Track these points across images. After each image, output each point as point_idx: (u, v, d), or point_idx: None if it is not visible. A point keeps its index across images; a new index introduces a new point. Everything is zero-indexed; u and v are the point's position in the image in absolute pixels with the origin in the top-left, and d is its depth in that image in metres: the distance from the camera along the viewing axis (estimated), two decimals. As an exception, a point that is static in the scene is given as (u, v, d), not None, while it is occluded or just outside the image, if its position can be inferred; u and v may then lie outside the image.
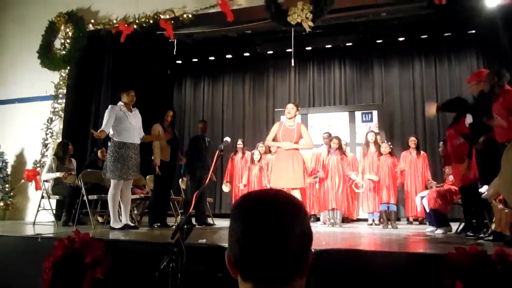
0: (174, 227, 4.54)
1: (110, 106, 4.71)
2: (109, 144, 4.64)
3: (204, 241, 3.16)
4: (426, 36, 7.93)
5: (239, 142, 7.37)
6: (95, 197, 5.12)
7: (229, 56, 8.95)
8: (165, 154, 5.22)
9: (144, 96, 7.85)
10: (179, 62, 9.19)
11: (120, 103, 4.70)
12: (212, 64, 9.26)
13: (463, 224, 4.67)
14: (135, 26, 6.44)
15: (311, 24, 5.55)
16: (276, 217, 0.77)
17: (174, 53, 6.97)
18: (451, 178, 5.09)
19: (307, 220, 0.83)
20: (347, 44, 8.40)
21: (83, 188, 4.98)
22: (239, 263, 0.78)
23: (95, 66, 6.89)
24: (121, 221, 4.61)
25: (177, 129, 9.25)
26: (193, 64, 9.36)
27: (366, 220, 6.70)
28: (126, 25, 6.43)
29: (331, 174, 6.12)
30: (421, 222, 6.59)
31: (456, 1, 5.39)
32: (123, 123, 4.59)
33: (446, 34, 7.78)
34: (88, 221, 5.15)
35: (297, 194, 4.68)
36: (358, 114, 8.17)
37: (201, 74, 9.69)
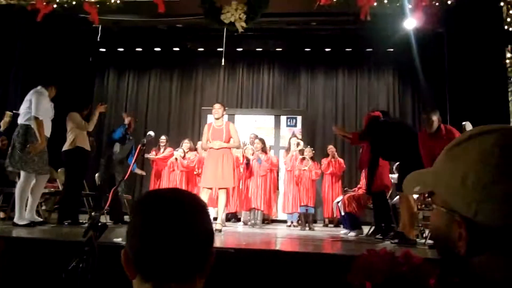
0: (86, 224, 4.24)
1: (39, 88, 4.28)
2: (20, 132, 4.18)
3: (120, 240, 2.98)
4: (351, 49, 8.41)
5: (162, 138, 7.13)
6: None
7: (157, 49, 8.67)
8: (86, 142, 4.87)
9: (63, 83, 7.30)
10: (103, 50, 8.66)
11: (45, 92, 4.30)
12: (139, 55, 8.88)
13: (373, 227, 5.00)
14: (55, 6, 5.93)
15: (244, 25, 5.58)
16: (180, 213, 0.75)
17: (98, 40, 6.55)
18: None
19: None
20: (277, 49, 8.61)
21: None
22: (137, 260, 0.74)
23: (6, 44, 6.23)
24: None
25: (98, 120, 8.76)
26: (118, 54, 8.88)
27: (285, 221, 6.89)
28: (44, 3, 5.89)
29: (254, 175, 6.20)
30: (336, 225, 6.95)
31: (378, 20, 5.77)
32: (47, 114, 4.20)
33: (368, 50, 8.31)
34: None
35: (223, 194, 4.68)
36: (283, 118, 8.39)
37: (126, 66, 9.24)
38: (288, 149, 6.80)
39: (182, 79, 9.16)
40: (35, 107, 4.16)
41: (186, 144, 6.90)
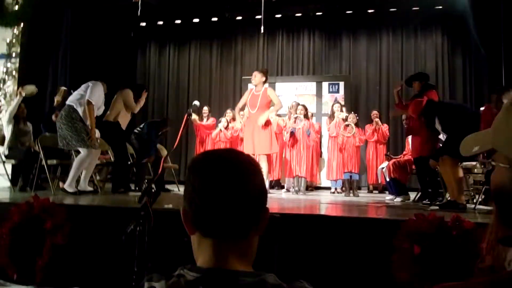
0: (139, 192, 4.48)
1: (98, 82, 4.53)
2: (63, 114, 4.42)
3: (170, 206, 3.13)
4: (395, 9, 7.99)
5: (205, 108, 7.25)
6: (54, 161, 4.91)
7: (196, 20, 8.66)
8: (125, 121, 5.07)
9: (106, 59, 7.55)
10: (143, 24, 8.79)
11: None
12: (179, 28, 8.93)
13: (420, 193, 4.89)
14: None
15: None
16: (235, 172, 0.78)
17: (139, 14, 6.65)
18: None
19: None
20: (317, 13, 8.34)
21: (41, 152, 4.77)
22: (197, 218, 0.78)
23: (52, 24, 6.47)
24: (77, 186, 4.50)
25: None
26: (158, 28, 8.99)
27: (329, 188, 6.89)
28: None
29: (297, 142, 6.19)
30: (381, 191, 6.86)
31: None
32: (97, 104, 4.47)
33: (414, 9, 7.86)
34: (47, 186, 4.96)
35: (263, 160, 4.75)
36: (325, 84, 8.22)
37: (166, 39, 9.34)
38: (331, 116, 6.71)
39: (221, 50, 9.16)
40: (91, 92, 4.36)
41: (228, 114, 6.97)
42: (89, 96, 4.36)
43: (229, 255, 0.77)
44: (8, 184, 5.28)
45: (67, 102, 4.49)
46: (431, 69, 7.95)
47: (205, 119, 7.14)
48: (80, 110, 4.39)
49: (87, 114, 4.38)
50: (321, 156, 7.05)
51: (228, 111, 7.08)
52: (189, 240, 0.85)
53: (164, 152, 6.15)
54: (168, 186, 5.91)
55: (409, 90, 5.63)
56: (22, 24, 6.33)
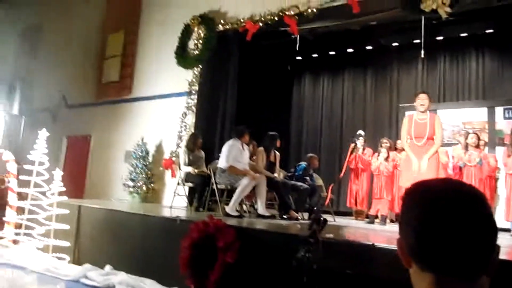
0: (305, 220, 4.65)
1: (231, 141, 5.38)
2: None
3: (331, 235, 3.15)
4: None
5: (384, 140, 6.99)
6: (223, 186, 5.48)
7: (350, 50, 8.72)
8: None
9: (266, 93, 8.19)
10: (299, 58, 9.27)
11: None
12: (333, 59, 9.12)
13: None
14: (260, 24, 6.68)
15: (448, 10, 5.08)
16: (463, 203, 0.72)
17: (297, 49, 7.05)
18: None
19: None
20: (486, 31, 7.49)
21: (212, 177, 5.38)
22: (415, 251, 0.75)
23: (224, 64, 7.35)
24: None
25: (297, 125, 9.43)
26: (313, 60, 9.35)
27: (508, 230, 5.90)
28: (252, 23, 6.71)
29: (468, 175, 5.54)
30: None
31: None
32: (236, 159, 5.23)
33: None
34: (216, 208, 5.55)
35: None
36: (499, 109, 7.21)
37: (320, 70, 9.62)
38: (510, 146, 5.77)
39: (376, 78, 8.96)
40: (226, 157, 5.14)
41: (385, 144, 6.63)
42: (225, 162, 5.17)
43: None
44: (185, 203, 6.09)
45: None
46: None
47: (361, 149, 6.98)
48: None
49: None
50: (495, 192, 6.12)
51: (384, 140, 6.78)
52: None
53: (320, 182, 6.25)
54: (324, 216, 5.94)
55: None
56: (200, 66, 7.37)
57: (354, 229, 4.89)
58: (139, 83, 8.42)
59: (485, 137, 6.90)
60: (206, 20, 7.38)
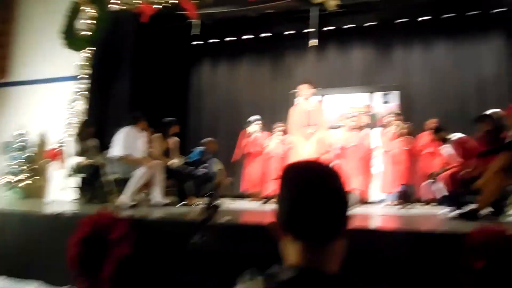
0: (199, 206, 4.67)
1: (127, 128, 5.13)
2: None
3: (228, 218, 3.22)
4: (449, 15, 7.69)
5: (258, 122, 7.35)
6: (118, 176, 5.23)
7: (248, 36, 8.88)
8: None
9: (163, 78, 7.95)
10: (199, 42, 9.15)
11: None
12: (231, 45, 9.19)
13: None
14: (158, 6, 6.43)
15: (336, 2, 5.47)
16: (323, 180, 0.88)
17: (198, 33, 6.96)
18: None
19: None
20: (367, 24, 8.24)
21: (106, 167, 5.12)
22: (288, 224, 0.88)
23: (118, 46, 6.93)
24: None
25: (196, 111, 9.36)
26: (212, 45, 9.32)
27: (381, 201, 6.70)
28: (149, 5, 6.43)
29: (349, 155, 6.12)
30: (439, 203, 6.55)
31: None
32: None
33: (471, 13, 7.51)
34: (110, 199, 5.29)
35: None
36: (378, 95, 8.06)
37: (219, 55, 9.64)
38: (385, 127, 6.54)
39: (272, 64, 9.28)
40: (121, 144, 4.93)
41: (280, 128, 6.98)
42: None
43: (319, 257, 0.85)
44: (75, 196, 5.69)
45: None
46: (490, 74, 7.57)
47: (258, 133, 7.25)
48: None
49: None
50: (372, 168, 6.87)
51: (279, 124, 7.12)
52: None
53: (219, 166, 6.33)
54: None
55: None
56: (91, 48, 6.83)
57: (249, 211, 5.06)
58: (18, 66, 7.54)
59: (366, 119, 7.67)
60: (98, -2, 6.85)
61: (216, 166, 6.23)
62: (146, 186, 5.24)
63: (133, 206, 4.66)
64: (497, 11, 7.19)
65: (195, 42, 9.05)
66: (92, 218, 3.57)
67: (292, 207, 0.86)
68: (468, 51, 7.96)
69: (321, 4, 5.60)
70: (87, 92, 6.80)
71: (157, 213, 4.17)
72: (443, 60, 8.12)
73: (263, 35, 8.77)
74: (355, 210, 5.39)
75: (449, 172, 5.03)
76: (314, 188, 0.85)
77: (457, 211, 4.70)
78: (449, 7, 7.40)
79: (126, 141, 4.98)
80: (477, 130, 4.63)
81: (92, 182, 5.38)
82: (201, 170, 5.70)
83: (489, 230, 2.33)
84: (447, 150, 5.36)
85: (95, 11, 6.78)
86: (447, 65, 8.07)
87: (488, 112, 4.60)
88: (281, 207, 0.89)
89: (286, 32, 8.62)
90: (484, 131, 4.45)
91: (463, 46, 8.00)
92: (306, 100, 4.87)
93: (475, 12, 7.45)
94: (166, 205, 4.90)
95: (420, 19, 7.87)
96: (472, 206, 4.00)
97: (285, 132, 6.92)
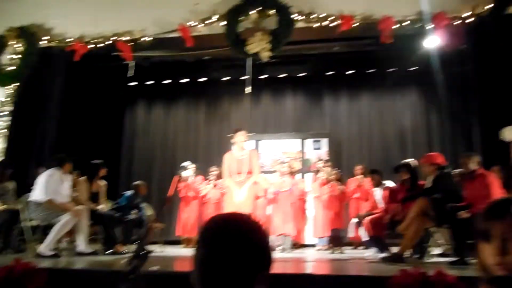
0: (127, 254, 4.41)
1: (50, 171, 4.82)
2: None
3: (156, 267, 3.09)
4: (374, 70, 8.45)
5: (192, 166, 7.29)
6: (38, 222, 4.82)
7: (184, 80, 8.97)
8: None
9: (95, 118, 7.68)
10: (134, 83, 9.05)
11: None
12: (167, 87, 9.21)
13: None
14: (91, 46, 6.31)
15: (268, 54, 5.76)
16: (236, 236, 0.88)
17: (132, 75, 6.90)
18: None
19: (268, 240, 0.93)
20: (300, 74, 8.76)
21: (25, 212, 4.70)
22: (199, 281, 0.88)
23: (46, 84, 6.62)
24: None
25: (129, 153, 9.08)
26: (147, 87, 9.25)
27: (314, 245, 6.83)
28: (81, 44, 6.29)
29: (283, 200, 6.23)
30: (366, 247, 6.82)
31: (400, 41, 5.84)
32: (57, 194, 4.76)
33: (390, 70, 8.32)
34: (27, 248, 4.82)
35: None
36: (309, 142, 8.45)
37: (155, 98, 9.57)
38: (316, 173, 6.80)
39: (208, 108, 9.39)
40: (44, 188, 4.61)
41: (214, 172, 6.98)
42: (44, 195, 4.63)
43: None
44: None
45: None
46: (408, 124, 8.35)
47: (192, 178, 7.16)
48: None
49: None
50: (305, 213, 7.04)
51: (214, 168, 7.12)
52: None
53: (149, 211, 6.11)
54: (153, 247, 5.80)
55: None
56: (15, 84, 6.46)
57: (181, 258, 4.87)
58: None
59: (298, 165, 7.94)
60: (26, 33, 6.57)
61: (147, 211, 6.01)
62: (70, 233, 4.89)
63: (54, 256, 4.29)
64: (412, 69, 8.01)
65: (131, 83, 8.93)
66: (2, 271, 3.24)
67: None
68: (389, 103, 8.73)
69: (255, 54, 5.86)
70: (6, 130, 6.34)
71: (81, 263, 3.88)
72: (368, 110, 8.80)
73: (199, 79, 8.91)
74: (287, 255, 5.44)
75: (370, 217, 5.30)
76: (224, 246, 0.86)
77: (381, 255, 4.95)
78: (371, 63, 8.15)
79: (50, 185, 4.63)
80: (398, 177, 5.02)
81: (6, 229, 4.89)
82: (131, 215, 5.46)
83: (410, 273, 2.48)
84: (377, 193, 5.71)
85: (22, 46, 6.49)
86: (372, 115, 8.75)
87: (406, 161, 5.04)
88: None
89: (223, 78, 8.84)
90: (403, 179, 4.84)
91: (385, 99, 8.77)
92: (240, 147, 4.96)
93: (393, 69, 8.25)
94: (91, 254, 4.57)
95: (347, 72, 8.56)
96: (395, 249, 4.23)
97: (219, 176, 6.92)
